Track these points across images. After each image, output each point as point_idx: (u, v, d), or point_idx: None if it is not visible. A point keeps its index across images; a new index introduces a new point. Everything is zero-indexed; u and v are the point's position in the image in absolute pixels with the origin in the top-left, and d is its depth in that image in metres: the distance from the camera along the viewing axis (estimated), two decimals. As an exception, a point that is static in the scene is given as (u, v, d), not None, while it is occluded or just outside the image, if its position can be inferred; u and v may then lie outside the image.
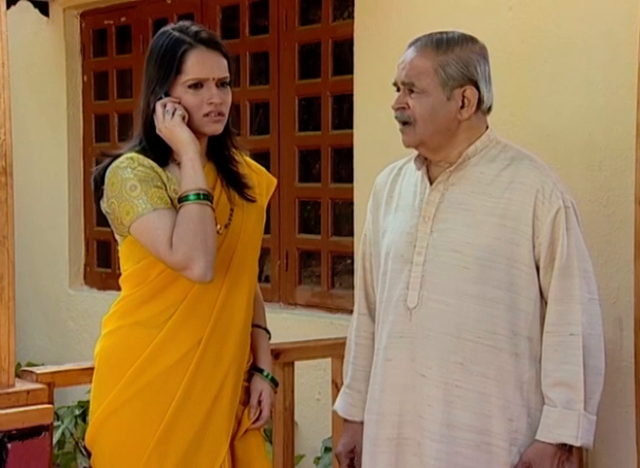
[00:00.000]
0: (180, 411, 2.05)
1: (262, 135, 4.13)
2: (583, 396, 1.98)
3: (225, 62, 2.08)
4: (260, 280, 4.23)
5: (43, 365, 3.37)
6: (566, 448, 2.01)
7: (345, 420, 2.28)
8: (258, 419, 2.18)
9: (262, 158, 4.10)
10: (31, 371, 2.32)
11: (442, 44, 2.04)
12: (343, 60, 3.77)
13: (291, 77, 3.94)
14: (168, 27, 2.10)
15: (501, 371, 2.02)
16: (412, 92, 2.04)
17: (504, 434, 2.02)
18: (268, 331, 2.28)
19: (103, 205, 2.06)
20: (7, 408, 2.16)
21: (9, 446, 2.14)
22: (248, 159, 2.26)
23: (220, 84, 2.07)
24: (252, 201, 2.17)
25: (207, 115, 2.05)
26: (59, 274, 4.90)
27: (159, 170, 2.04)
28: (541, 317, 2.06)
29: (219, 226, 2.08)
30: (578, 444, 1.99)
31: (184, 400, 2.05)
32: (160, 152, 2.05)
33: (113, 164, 2.04)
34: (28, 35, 4.85)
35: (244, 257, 2.14)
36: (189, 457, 2.07)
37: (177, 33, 2.06)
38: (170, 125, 2.01)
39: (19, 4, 4.52)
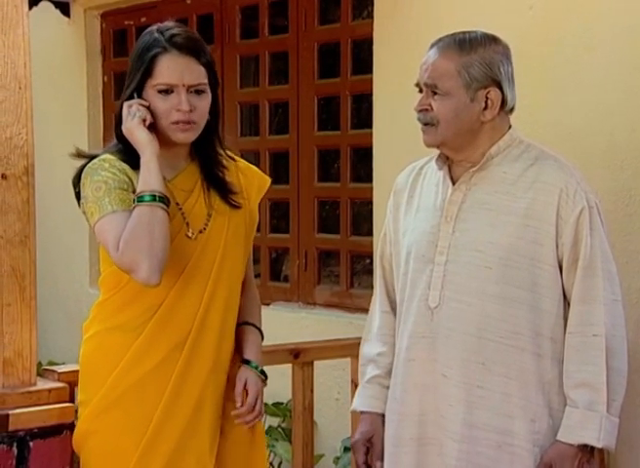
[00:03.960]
0: (164, 418, 2.03)
1: (282, 134, 4.14)
2: (606, 397, 1.97)
3: (202, 69, 2.03)
4: (278, 279, 4.30)
5: (64, 364, 3.38)
6: (587, 450, 2.00)
7: (362, 412, 2.23)
8: (249, 410, 2.09)
9: (282, 158, 4.11)
10: (53, 370, 2.34)
11: (465, 45, 2.02)
12: (363, 60, 3.77)
13: (310, 77, 3.94)
14: (154, 26, 2.08)
15: (523, 372, 2.01)
16: (435, 93, 2.03)
17: (526, 435, 2.01)
18: (261, 331, 2.21)
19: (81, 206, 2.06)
20: (29, 406, 2.18)
21: (31, 444, 2.15)
22: (239, 159, 2.21)
23: (195, 91, 2.02)
24: (236, 207, 2.12)
25: (175, 123, 2.01)
26: (79, 274, 4.93)
27: (131, 173, 2.01)
28: (565, 318, 2.04)
29: (191, 231, 2.05)
30: (599, 445, 1.98)
31: (166, 410, 2.03)
32: (133, 154, 2.02)
33: (87, 165, 2.04)
34: (49, 36, 4.88)
35: (228, 263, 2.10)
36: (175, 464, 2.05)
37: (156, 34, 2.04)
38: (129, 126, 2.00)
39: (40, 5, 4.55)
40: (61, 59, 4.92)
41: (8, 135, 2.21)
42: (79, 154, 2.11)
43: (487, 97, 2.03)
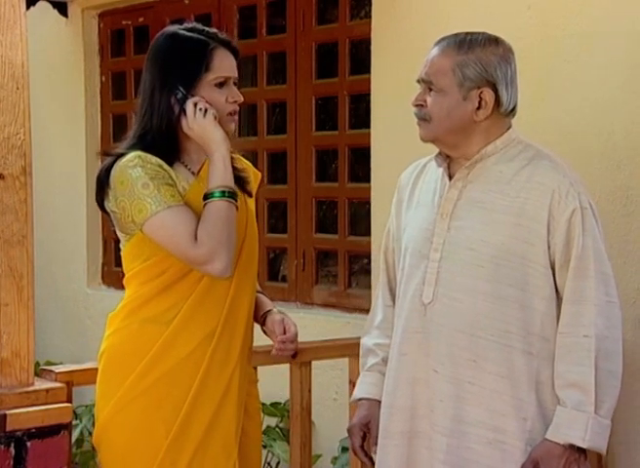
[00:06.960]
0: (194, 407, 2.06)
1: (280, 134, 4.14)
2: (594, 398, 1.96)
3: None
4: (276, 279, 4.30)
5: (61, 363, 3.38)
6: (574, 450, 1.98)
7: (360, 399, 2.23)
8: (292, 339, 2.18)
9: (279, 158, 4.11)
10: (50, 370, 2.34)
11: (464, 44, 2.04)
12: (361, 60, 3.77)
13: (308, 77, 3.94)
14: (174, 29, 2.12)
15: (514, 370, 2.01)
16: (431, 90, 2.06)
17: (519, 433, 2.01)
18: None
19: (109, 204, 2.07)
20: (26, 406, 2.18)
21: (28, 444, 2.15)
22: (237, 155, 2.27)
23: (234, 83, 2.14)
24: (251, 195, 2.20)
25: (230, 114, 2.10)
26: (76, 273, 4.93)
27: (167, 167, 2.05)
28: (558, 317, 2.04)
29: None
30: (584, 446, 1.96)
31: (198, 395, 2.06)
32: (168, 152, 2.06)
33: (120, 163, 2.03)
34: (47, 36, 4.88)
35: (251, 251, 2.16)
36: (203, 453, 2.07)
37: (194, 34, 2.10)
38: (203, 123, 2.04)
39: (38, 5, 4.55)
40: (59, 59, 4.92)
41: (5, 134, 2.21)
42: (106, 153, 2.13)
43: (480, 98, 2.04)
